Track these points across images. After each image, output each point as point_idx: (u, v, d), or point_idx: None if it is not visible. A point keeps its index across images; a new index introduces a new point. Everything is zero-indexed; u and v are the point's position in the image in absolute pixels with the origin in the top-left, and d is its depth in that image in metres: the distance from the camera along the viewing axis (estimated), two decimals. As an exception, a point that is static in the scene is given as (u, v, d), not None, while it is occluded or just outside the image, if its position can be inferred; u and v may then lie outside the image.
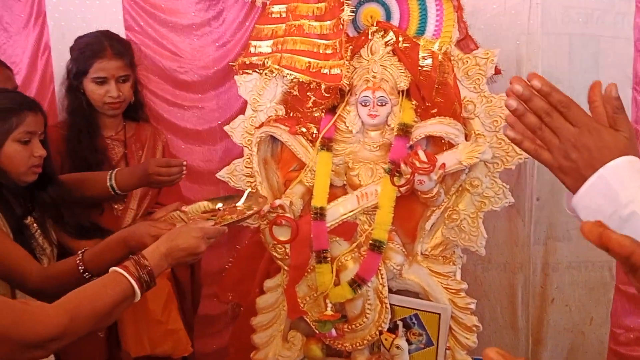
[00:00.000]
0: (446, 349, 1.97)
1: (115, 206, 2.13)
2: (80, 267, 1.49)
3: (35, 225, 1.66)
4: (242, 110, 2.21)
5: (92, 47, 2.05)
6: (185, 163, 1.92)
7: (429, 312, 1.96)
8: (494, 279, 2.47)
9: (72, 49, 2.12)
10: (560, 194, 2.36)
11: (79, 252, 1.53)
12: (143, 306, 1.99)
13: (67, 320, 1.16)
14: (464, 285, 1.98)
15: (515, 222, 2.41)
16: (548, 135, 0.84)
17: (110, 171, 1.92)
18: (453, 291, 1.97)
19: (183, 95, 2.49)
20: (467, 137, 1.94)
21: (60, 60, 2.48)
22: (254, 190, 1.68)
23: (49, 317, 1.15)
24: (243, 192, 1.77)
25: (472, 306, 1.97)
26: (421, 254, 2.02)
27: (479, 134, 1.93)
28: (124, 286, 1.27)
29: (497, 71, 2.02)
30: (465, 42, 2.05)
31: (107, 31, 2.21)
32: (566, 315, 2.48)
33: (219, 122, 2.48)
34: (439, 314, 1.94)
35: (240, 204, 1.64)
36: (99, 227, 1.84)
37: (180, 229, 1.44)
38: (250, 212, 1.59)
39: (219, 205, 1.64)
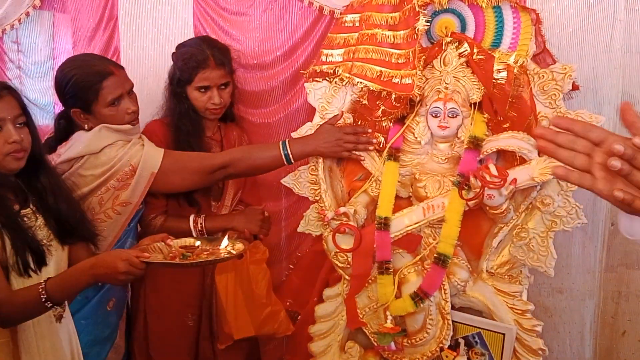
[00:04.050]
0: (509, 371, 1.90)
1: (213, 203, 2.23)
2: (42, 297, 1.44)
3: (38, 215, 1.59)
4: (306, 121, 2.21)
5: (197, 58, 2.10)
6: (370, 130, 2.02)
7: (493, 331, 1.90)
8: (564, 309, 2.35)
9: (175, 58, 2.18)
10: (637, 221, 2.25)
11: (42, 280, 1.47)
12: (249, 291, 2.13)
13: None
14: (531, 307, 1.91)
15: (588, 249, 2.31)
16: None
17: (282, 141, 2.01)
18: (519, 312, 1.91)
19: (244, 108, 2.47)
20: (539, 154, 1.88)
21: (129, 64, 2.55)
22: (235, 235, 1.80)
23: None
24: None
25: (539, 328, 1.89)
26: (486, 271, 1.96)
27: (553, 150, 1.86)
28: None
29: (575, 87, 1.95)
30: (543, 57, 2.00)
31: (207, 37, 2.27)
32: (639, 352, 2.34)
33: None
34: (504, 334, 1.88)
35: (222, 246, 1.68)
36: (88, 230, 1.75)
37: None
38: (225, 257, 1.62)
39: (198, 243, 1.68)
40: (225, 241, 1.69)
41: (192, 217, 2.10)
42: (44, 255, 1.55)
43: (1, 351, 1.52)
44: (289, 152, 1.99)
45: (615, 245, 2.28)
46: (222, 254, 1.63)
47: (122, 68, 2.03)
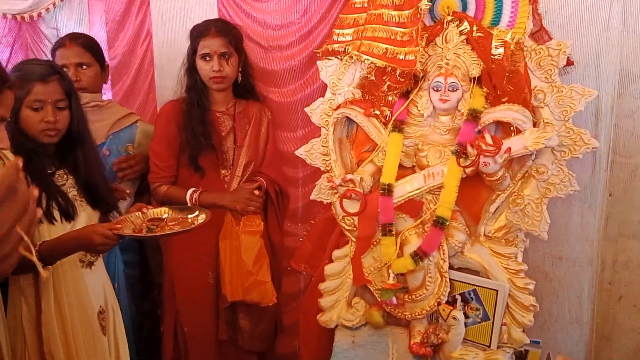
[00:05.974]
0: (502, 324, 2.03)
1: (223, 172, 2.39)
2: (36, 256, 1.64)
3: (69, 176, 1.82)
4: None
5: (199, 28, 2.33)
6: (128, 191, 2.28)
7: (487, 288, 2.03)
8: (564, 276, 2.46)
9: (189, 35, 2.39)
10: (634, 191, 2.35)
11: (38, 243, 1.64)
12: (238, 259, 2.31)
13: None
14: (524, 267, 2.04)
15: (587, 218, 2.41)
16: None
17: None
18: (513, 271, 2.04)
19: (264, 85, 2.62)
20: (535, 125, 2.00)
21: (160, 46, 2.75)
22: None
23: None
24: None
25: (531, 287, 2.02)
26: (484, 235, 2.09)
27: (547, 122, 1.98)
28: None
29: (570, 62, 2.06)
30: (540, 34, 2.11)
31: (219, 18, 2.51)
32: (634, 316, 2.44)
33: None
34: (497, 291, 2.01)
35: (191, 216, 1.80)
36: (113, 203, 2.00)
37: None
38: (188, 228, 1.73)
39: (165, 215, 1.81)
40: (195, 212, 1.84)
41: (189, 191, 2.31)
42: (70, 208, 1.77)
43: (26, 291, 1.73)
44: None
45: (614, 215, 2.37)
46: (189, 224, 1.76)
47: (80, 45, 2.35)
